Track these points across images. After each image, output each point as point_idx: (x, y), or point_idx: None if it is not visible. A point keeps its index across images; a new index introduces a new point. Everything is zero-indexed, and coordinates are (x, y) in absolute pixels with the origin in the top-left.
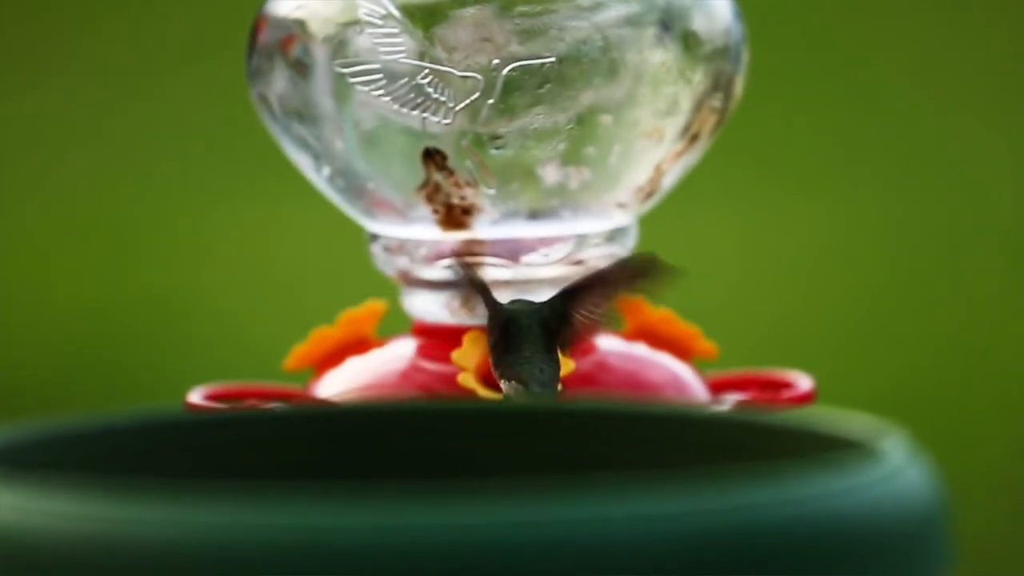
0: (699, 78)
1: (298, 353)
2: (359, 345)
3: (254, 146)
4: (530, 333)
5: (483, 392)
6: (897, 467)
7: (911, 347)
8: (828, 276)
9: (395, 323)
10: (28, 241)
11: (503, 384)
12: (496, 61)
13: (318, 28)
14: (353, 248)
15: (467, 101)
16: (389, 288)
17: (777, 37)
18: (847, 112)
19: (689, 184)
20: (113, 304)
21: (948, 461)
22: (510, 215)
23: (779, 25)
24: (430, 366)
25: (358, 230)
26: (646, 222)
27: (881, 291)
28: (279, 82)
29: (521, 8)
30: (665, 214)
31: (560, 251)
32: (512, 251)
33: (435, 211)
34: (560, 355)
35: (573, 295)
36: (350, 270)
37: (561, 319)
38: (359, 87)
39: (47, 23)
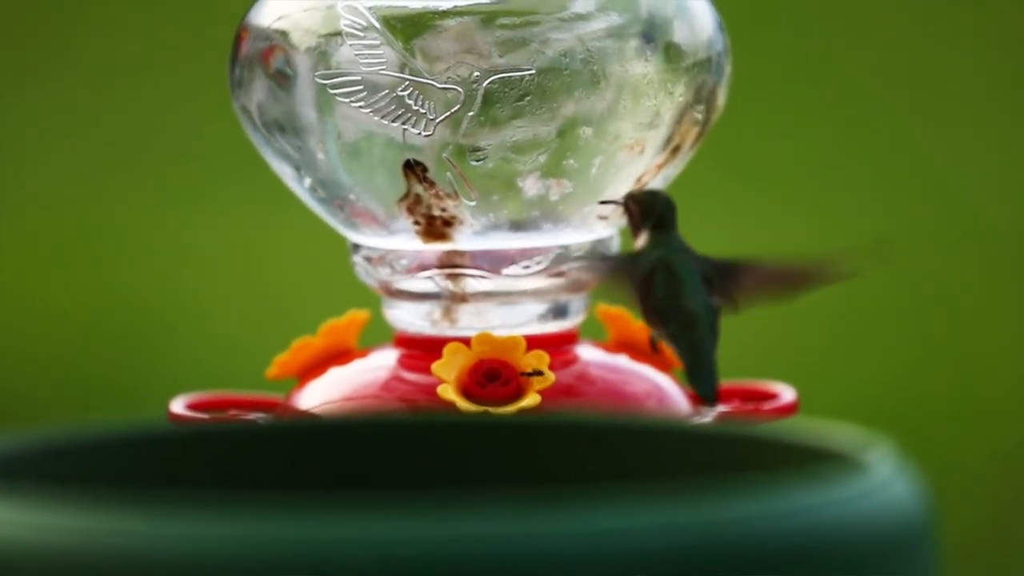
0: (681, 90)
1: (280, 362)
2: (341, 355)
3: (237, 155)
4: (688, 279)
5: (462, 404)
6: (883, 479)
7: (891, 355)
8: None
9: (377, 333)
10: (7, 249)
11: (659, 329)
12: (476, 73)
13: (299, 39)
14: (335, 258)
15: (448, 113)
16: (371, 299)
17: (758, 50)
18: (827, 122)
19: (671, 195)
20: (94, 312)
21: (931, 468)
22: (491, 227)
23: (759, 38)
24: (411, 377)
25: (340, 240)
26: (628, 233)
27: (862, 300)
28: (261, 93)
29: (503, 20)
30: None
31: (541, 263)
32: (493, 263)
33: (416, 222)
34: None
35: (733, 269)
36: (332, 280)
37: (722, 276)
38: (340, 99)
39: (26, 29)
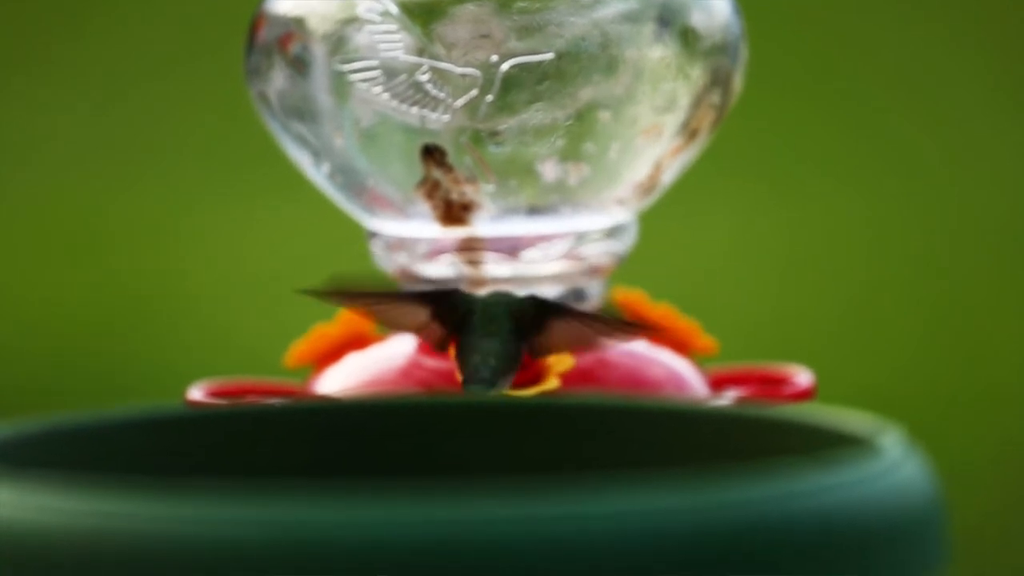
0: (698, 74)
1: (298, 350)
2: (358, 342)
3: (249, 145)
4: (491, 318)
5: None
6: (895, 462)
7: (905, 340)
8: (827, 271)
9: None
10: (9, 241)
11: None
12: (495, 58)
13: (317, 25)
14: (353, 245)
15: (466, 98)
16: (389, 285)
17: (757, 48)
18: (828, 119)
19: (689, 180)
20: (105, 304)
21: (940, 459)
22: (509, 211)
23: (759, 37)
24: (430, 363)
25: (357, 227)
26: (645, 218)
27: (878, 286)
28: (278, 80)
29: (520, 4)
30: (665, 209)
31: (560, 247)
32: (511, 247)
33: (434, 208)
34: (527, 353)
35: (551, 308)
36: (350, 267)
37: (537, 319)
38: (358, 84)
39: (28, 22)
